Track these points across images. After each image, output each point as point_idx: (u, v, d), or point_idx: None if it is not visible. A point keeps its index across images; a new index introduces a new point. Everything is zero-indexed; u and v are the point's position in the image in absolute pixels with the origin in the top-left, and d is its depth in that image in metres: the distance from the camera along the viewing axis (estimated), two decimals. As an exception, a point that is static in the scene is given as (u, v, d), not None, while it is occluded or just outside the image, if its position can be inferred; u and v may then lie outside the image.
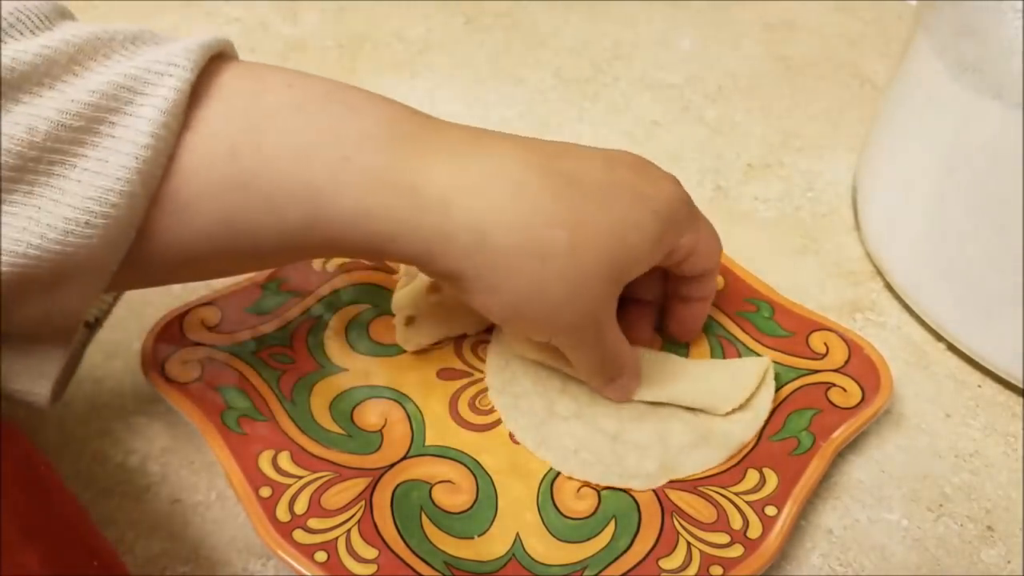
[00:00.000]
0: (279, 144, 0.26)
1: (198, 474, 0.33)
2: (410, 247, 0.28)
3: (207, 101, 0.26)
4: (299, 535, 0.29)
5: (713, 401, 0.34)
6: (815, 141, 0.50)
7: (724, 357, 0.36)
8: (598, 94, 0.53)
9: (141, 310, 0.38)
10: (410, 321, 0.35)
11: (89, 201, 0.24)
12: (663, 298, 0.37)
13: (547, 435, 0.34)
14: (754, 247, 0.43)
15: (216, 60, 0.27)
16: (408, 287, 0.35)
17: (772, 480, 0.31)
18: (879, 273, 0.42)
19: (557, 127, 0.50)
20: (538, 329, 0.30)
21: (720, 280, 0.38)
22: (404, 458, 0.33)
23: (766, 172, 0.48)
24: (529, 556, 0.30)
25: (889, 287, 0.41)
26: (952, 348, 0.39)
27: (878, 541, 0.32)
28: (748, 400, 0.34)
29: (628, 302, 0.36)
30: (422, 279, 0.35)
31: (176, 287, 0.39)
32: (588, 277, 0.29)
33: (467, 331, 0.37)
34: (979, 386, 0.38)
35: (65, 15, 0.27)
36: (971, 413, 0.37)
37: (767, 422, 0.33)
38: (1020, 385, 0.37)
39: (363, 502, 0.31)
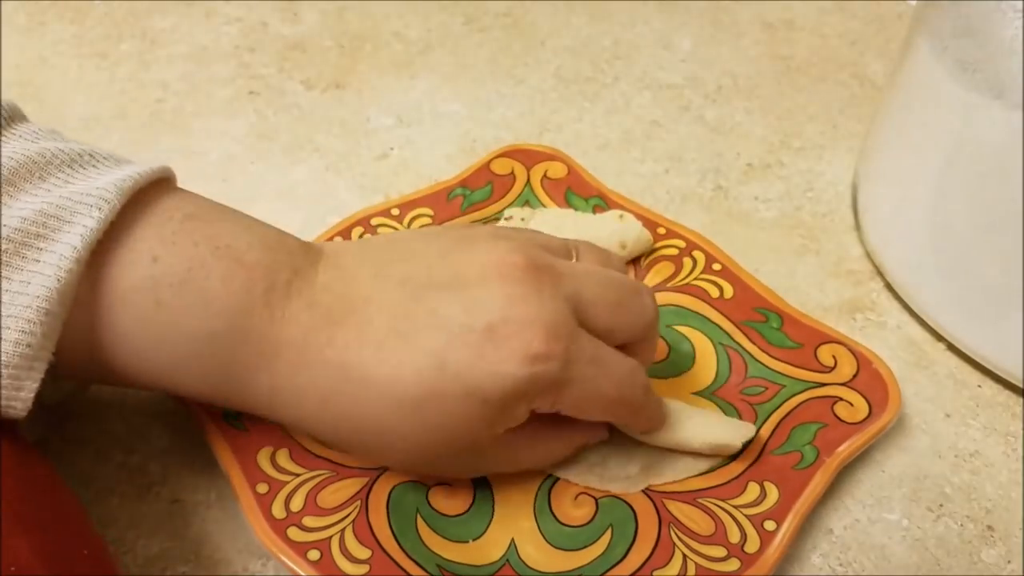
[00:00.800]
0: (129, 327, 0.27)
1: (198, 474, 0.33)
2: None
3: (134, 221, 0.27)
4: (293, 533, 0.29)
5: (713, 433, 0.32)
6: (815, 141, 0.50)
7: (730, 366, 0.36)
8: (598, 94, 0.53)
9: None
10: None
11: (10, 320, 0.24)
12: None
13: None
14: (754, 247, 0.43)
15: (157, 186, 0.28)
16: None
17: (773, 494, 0.31)
18: (879, 273, 0.42)
19: (557, 127, 0.50)
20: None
21: (729, 288, 0.38)
22: (404, 458, 0.33)
23: (766, 172, 0.48)
24: (523, 562, 0.30)
25: (889, 287, 0.41)
26: (952, 348, 0.39)
27: (878, 541, 0.32)
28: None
29: None
30: None
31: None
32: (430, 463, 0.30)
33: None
34: (979, 386, 0.38)
35: (15, 117, 0.28)
36: (971, 413, 0.37)
37: (770, 434, 0.33)
38: (1020, 385, 0.37)
39: (359, 502, 0.31)
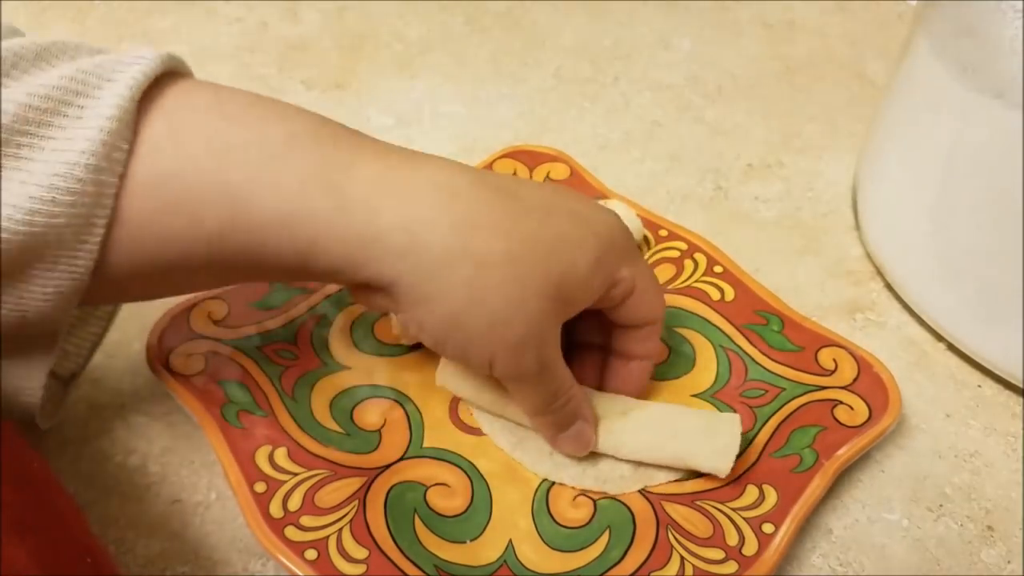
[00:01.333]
0: (198, 144, 0.25)
1: (198, 474, 0.33)
2: (335, 251, 0.26)
3: (150, 109, 0.26)
4: (291, 532, 0.29)
5: (696, 460, 0.32)
6: (815, 141, 0.50)
7: (731, 369, 0.36)
8: (598, 94, 0.53)
9: (141, 310, 0.38)
10: None
11: (55, 178, 0.24)
12: (608, 347, 0.34)
13: (523, 437, 0.33)
14: (754, 247, 0.43)
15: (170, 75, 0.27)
16: None
17: (771, 497, 0.31)
18: (879, 273, 0.42)
19: (557, 127, 0.50)
20: (475, 348, 0.28)
21: (730, 291, 0.38)
22: (401, 459, 0.33)
23: (766, 172, 0.48)
24: (520, 563, 0.30)
25: (889, 287, 0.41)
26: (952, 348, 0.39)
27: (878, 541, 0.32)
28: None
29: (572, 347, 0.34)
30: None
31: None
32: (527, 290, 0.27)
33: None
34: (979, 386, 0.38)
35: (16, 33, 0.27)
36: (971, 413, 0.37)
37: (770, 437, 0.33)
38: (1020, 385, 0.37)
39: (356, 502, 0.31)
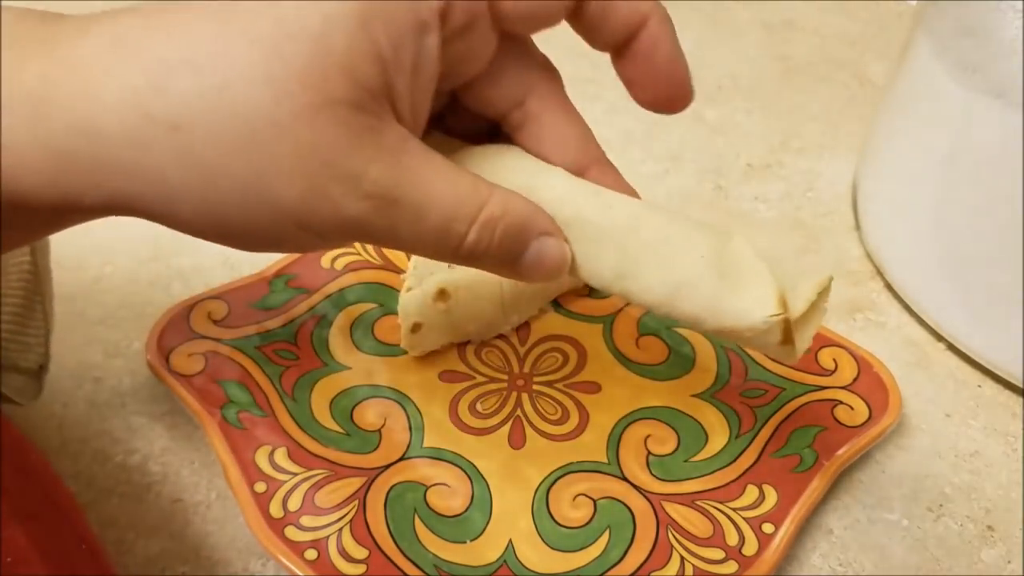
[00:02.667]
0: None
1: (198, 474, 0.33)
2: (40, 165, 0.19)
3: None
4: (291, 532, 0.29)
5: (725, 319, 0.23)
6: (815, 141, 0.50)
7: (731, 368, 0.36)
8: (598, 94, 0.53)
9: (141, 310, 0.38)
10: (416, 328, 0.35)
11: None
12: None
13: None
14: (754, 247, 0.43)
15: None
16: (415, 294, 0.35)
17: (771, 497, 0.31)
18: (879, 273, 0.42)
19: (557, 127, 0.50)
20: (278, 236, 0.20)
21: None
22: (401, 459, 0.33)
23: (766, 172, 0.48)
24: (520, 563, 0.30)
25: (889, 287, 0.41)
26: (952, 348, 0.39)
27: (878, 541, 0.32)
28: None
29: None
30: (429, 285, 0.35)
31: (177, 287, 0.39)
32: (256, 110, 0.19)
33: (472, 339, 0.37)
34: (979, 386, 0.38)
35: None
36: (971, 413, 0.37)
37: (770, 437, 0.33)
38: (1020, 385, 0.37)
39: (356, 502, 0.31)
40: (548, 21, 0.24)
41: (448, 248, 0.22)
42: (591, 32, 0.24)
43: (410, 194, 0.21)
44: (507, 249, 0.22)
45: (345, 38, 0.19)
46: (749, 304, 0.23)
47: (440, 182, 0.21)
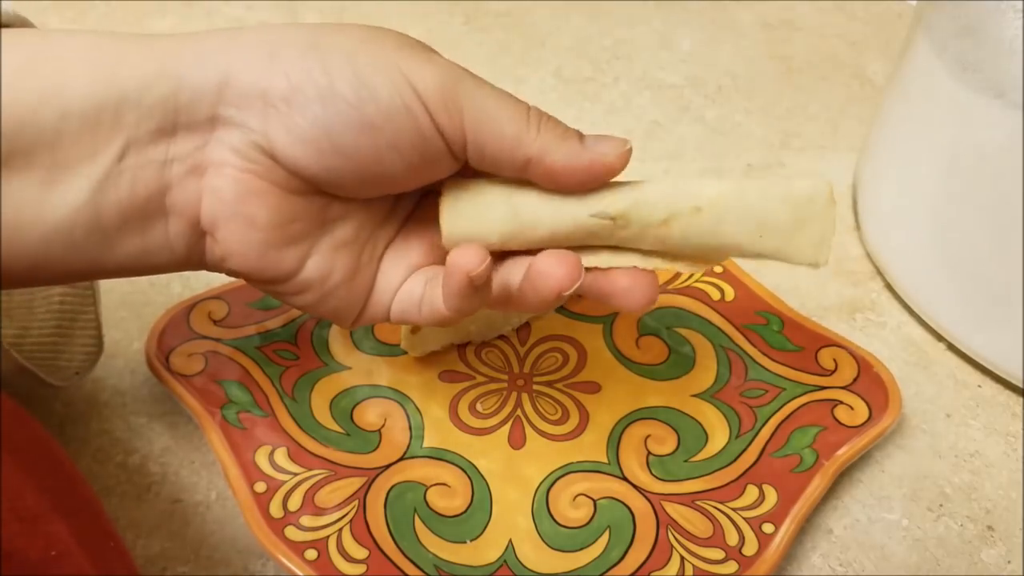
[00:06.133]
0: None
1: (198, 474, 0.33)
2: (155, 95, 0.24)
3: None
4: (291, 532, 0.29)
5: (789, 255, 0.27)
6: (815, 141, 0.50)
7: (731, 369, 0.36)
8: (598, 94, 0.53)
9: (141, 310, 0.38)
10: (416, 329, 0.35)
11: None
12: None
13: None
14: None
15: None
16: None
17: (771, 497, 0.31)
18: (879, 273, 0.42)
19: (557, 127, 0.50)
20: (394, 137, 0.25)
21: (730, 291, 0.38)
22: (401, 459, 0.33)
23: (766, 172, 0.48)
24: (520, 563, 0.30)
25: (889, 287, 0.41)
26: (952, 348, 0.39)
27: (878, 541, 0.32)
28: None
29: None
30: None
31: (176, 287, 0.39)
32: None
33: (472, 339, 0.37)
34: (979, 386, 0.38)
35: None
36: (971, 413, 0.37)
37: (770, 437, 0.33)
38: (1020, 385, 0.37)
39: (356, 501, 0.31)
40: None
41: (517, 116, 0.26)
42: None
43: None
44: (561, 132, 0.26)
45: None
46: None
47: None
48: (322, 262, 0.27)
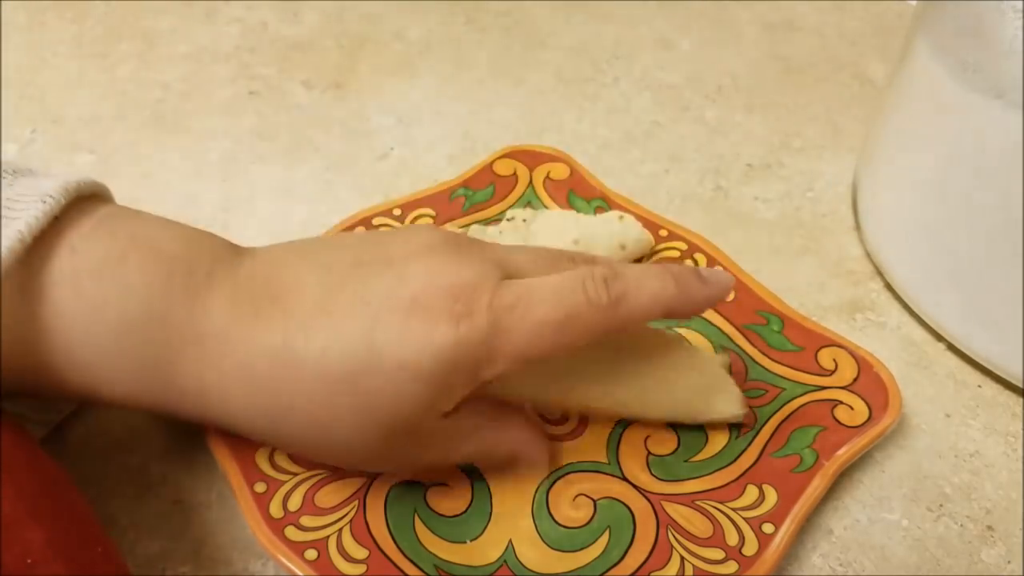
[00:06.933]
0: (44, 320, 0.26)
1: (199, 475, 0.33)
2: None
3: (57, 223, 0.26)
4: (291, 532, 0.29)
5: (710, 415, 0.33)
6: (815, 141, 0.50)
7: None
8: (598, 94, 0.53)
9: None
10: None
11: None
12: None
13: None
14: (754, 247, 0.43)
15: (92, 199, 0.28)
16: None
17: (771, 497, 0.31)
18: (879, 273, 0.42)
19: (557, 127, 0.50)
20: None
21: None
22: (404, 458, 0.33)
23: (766, 172, 0.48)
24: (521, 563, 0.30)
25: (889, 287, 0.41)
26: (952, 348, 0.39)
27: (878, 541, 0.32)
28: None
29: None
30: None
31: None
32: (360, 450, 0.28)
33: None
34: (979, 386, 0.38)
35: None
36: (971, 413, 0.37)
37: (770, 437, 0.33)
38: (1020, 385, 0.37)
39: (356, 501, 0.31)
40: None
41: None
42: None
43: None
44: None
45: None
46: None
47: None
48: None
